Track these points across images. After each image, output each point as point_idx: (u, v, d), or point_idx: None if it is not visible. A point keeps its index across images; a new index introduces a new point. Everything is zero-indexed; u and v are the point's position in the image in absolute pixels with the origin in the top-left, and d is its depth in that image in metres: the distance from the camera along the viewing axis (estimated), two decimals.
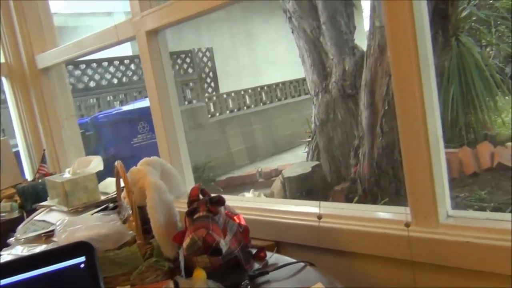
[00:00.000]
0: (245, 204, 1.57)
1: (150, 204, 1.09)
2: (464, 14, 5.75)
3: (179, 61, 6.82)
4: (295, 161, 5.07)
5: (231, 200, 1.64)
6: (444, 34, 2.66)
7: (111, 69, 6.37)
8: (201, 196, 1.11)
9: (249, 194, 4.21)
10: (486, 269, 0.99)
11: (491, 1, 7.08)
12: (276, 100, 8.11)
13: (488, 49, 7.40)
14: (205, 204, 1.05)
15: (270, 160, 6.97)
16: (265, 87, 7.93)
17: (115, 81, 6.39)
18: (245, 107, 7.58)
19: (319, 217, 1.23)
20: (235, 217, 1.20)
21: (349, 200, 3.14)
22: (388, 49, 1.12)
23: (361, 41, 3.94)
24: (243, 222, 1.21)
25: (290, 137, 7.17)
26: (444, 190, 1.13)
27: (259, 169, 5.66)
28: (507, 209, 3.01)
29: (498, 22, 6.94)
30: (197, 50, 7.14)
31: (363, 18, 6.78)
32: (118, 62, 6.34)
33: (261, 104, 7.84)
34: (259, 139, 7.37)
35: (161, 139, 1.80)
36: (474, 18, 6.35)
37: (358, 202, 3.03)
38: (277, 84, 8.15)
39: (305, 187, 3.21)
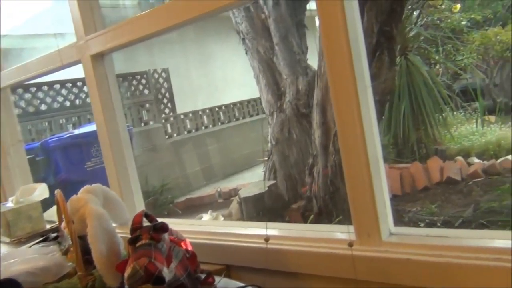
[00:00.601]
0: (195, 228, 1.55)
1: (91, 233, 1.06)
2: (411, 34, 6.01)
3: (134, 82, 6.74)
4: (255, 180, 5.08)
5: (178, 225, 1.62)
6: (390, 54, 2.76)
7: (64, 91, 6.21)
8: (148, 222, 1.09)
9: (207, 215, 4.17)
10: (425, 285, 1.02)
11: (437, 21, 7.43)
12: (234, 119, 8.13)
13: (437, 67, 7.74)
14: (148, 231, 1.03)
15: (230, 179, 6.95)
16: (223, 107, 7.95)
17: (68, 103, 6.23)
18: (203, 127, 7.56)
19: (266, 239, 1.23)
20: (181, 243, 1.18)
21: (305, 218, 3.16)
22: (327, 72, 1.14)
23: (315, 61, 4.03)
24: (190, 248, 1.19)
25: (249, 156, 7.19)
26: (386, 208, 1.15)
27: (218, 189, 5.63)
28: (457, 222, 3.11)
29: (445, 42, 7.29)
30: (153, 71, 7.08)
31: (316, 38, 6.95)
32: (70, 85, 6.20)
33: (219, 123, 7.84)
34: (218, 159, 7.35)
35: (109, 165, 1.76)
36: (422, 38, 6.64)
37: (313, 220, 3.05)
38: (234, 104, 8.19)
39: (261, 207, 3.21)
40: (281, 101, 3.92)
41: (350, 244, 1.10)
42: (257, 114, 8.40)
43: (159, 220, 1.78)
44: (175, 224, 1.63)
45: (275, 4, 3.79)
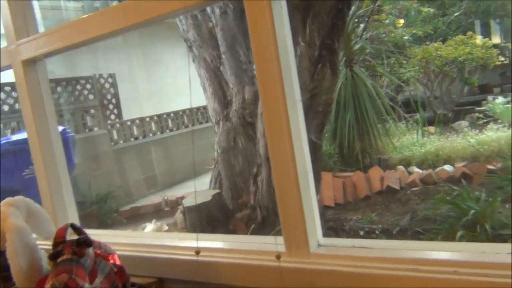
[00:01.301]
0: (127, 240, 1.51)
1: (10, 248, 1.02)
2: (357, 47, 6.19)
3: (78, 87, 6.54)
4: (203, 188, 5.04)
5: (111, 236, 1.58)
6: (332, 66, 2.83)
7: (2, 95, 5.93)
8: (77, 236, 1.05)
9: (151, 225, 4.10)
10: None
11: (382, 35, 7.71)
12: (183, 127, 8.06)
13: (382, 79, 8.01)
14: (71, 246, 1.00)
15: (178, 187, 6.86)
16: (172, 114, 7.86)
17: (6, 108, 5.95)
18: (150, 134, 7.43)
19: (197, 251, 1.22)
20: (109, 257, 1.15)
21: (249, 227, 3.17)
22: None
23: None
24: (118, 262, 1.16)
25: (198, 164, 7.14)
26: (315, 220, 1.18)
27: (165, 198, 5.54)
28: (394, 230, 3.22)
29: (389, 56, 7.57)
30: (99, 76, 6.90)
31: None
32: (10, 88, 5.93)
33: (168, 131, 7.74)
34: (166, 167, 7.25)
35: (40, 174, 1.70)
36: (368, 51, 6.87)
37: (256, 229, 3.07)
38: (183, 111, 8.11)
39: (205, 217, 3.19)
40: (227, 110, 3.93)
41: (278, 256, 1.12)
42: (207, 121, 8.37)
43: (95, 232, 1.73)
44: (107, 236, 1.60)
45: (222, 13, 3.80)
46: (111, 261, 1.14)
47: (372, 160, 5.55)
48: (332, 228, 3.26)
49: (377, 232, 3.17)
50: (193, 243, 1.27)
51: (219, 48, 3.90)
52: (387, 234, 3.16)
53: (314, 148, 3.07)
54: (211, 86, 4.02)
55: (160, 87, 8.64)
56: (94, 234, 1.39)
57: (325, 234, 3.29)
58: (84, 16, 1.49)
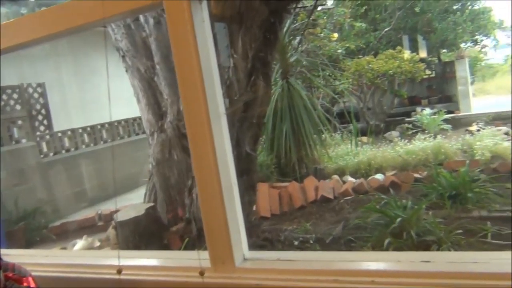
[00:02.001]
0: (48, 260, 1.43)
1: None
2: (292, 59, 6.32)
3: (4, 97, 6.18)
4: (140, 201, 4.90)
5: (30, 257, 1.49)
6: (265, 79, 2.86)
7: None
8: None
9: (81, 241, 3.92)
10: None
11: (318, 48, 7.93)
12: (119, 138, 7.82)
13: (319, 90, 8.23)
14: None
15: (113, 201, 6.62)
16: (106, 125, 7.61)
17: None
18: (83, 146, 7.15)
19: (119, 270, 1.17)
20: (23, 280, 1.09)
21: (184, 241, 3.11)
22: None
23: None
24: (32, 285, 1.10)
25: (134, 176, 6.94)
26: (240, 235, 1.17)
27: (99, 212, 5.33)
28: (328, 239, 3.28)
29: (323, 68, 7.79)
30: (27, 86, 6.56)
31: None
32: None
33: (102, 142, 7.49)
34: (99, 179, 6.98)
35: None
36: (304, 63, 7.03)
37: (190, 243, 3.02)
38: (119, 122, 7.89)
39: (138, 231, 3.10)
40: (162, 121, 3.85)
41: (201, 273, 1.10)
42: (143, 132, 8.18)
43: (11, 252, 1.63)
44: (24, 256, 1.50)
45: (156, 23, 3.74)
46: (25, 284, 1.08)
47: (309, 170, 5.65)
48: (268, 239, 3.27)
49: (311, 241, 3.22)
50: (115, 261, 1.22)
51: (153, 59, 3.83)
52: (320, 243, 3.22)
53: (249, 160, 3.09)
54: (145, 97, 3.94)
55: (94, 97, 8.35)
56: (10, 254, 1.31)
57: (261, 246, 3.29)
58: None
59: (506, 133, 6.36)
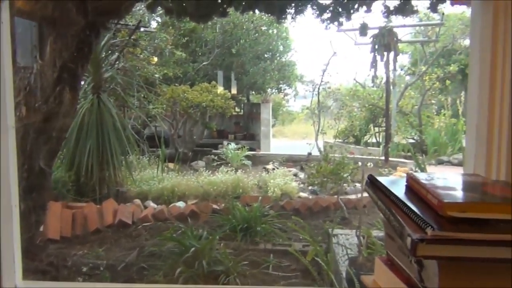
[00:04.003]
0: None
1: None
2: (107, 75, 6.08)
3: None
4: None
5: None
6: (72, 91, 2.68)
7: None
8: None
9: None
10: None
11: (136, 69, 7.79)
12: None
13: (132, 111, 8.03)
14: None
15: None
16: None
17: None
18: None
19: None
20: None
21: None
22: None
23: None
24: None
25: None
26: (14, 261, 1.04)
27: None
28: (120, 265, 3.17)
29: (139, 89, 7.68)
30: None
31: None
32: None
33: None
34: None
35: None
36: (119, 81, 6.81)
37: None
38: None
39: None
40: None
41: None
42: None
43: None
44: None
45: None
46: None
47: (110, 192, 5.42)
48: (53, 264, 2.99)
49: (101, 268, 3.06)
50: None
51: None
52: (112, 269, 3.09)
53: (42, 176, 2.82)
54: None
55: None
56: None
57: (44, 271, 2.99)
58: None
59: (295, 174, 7.16)
